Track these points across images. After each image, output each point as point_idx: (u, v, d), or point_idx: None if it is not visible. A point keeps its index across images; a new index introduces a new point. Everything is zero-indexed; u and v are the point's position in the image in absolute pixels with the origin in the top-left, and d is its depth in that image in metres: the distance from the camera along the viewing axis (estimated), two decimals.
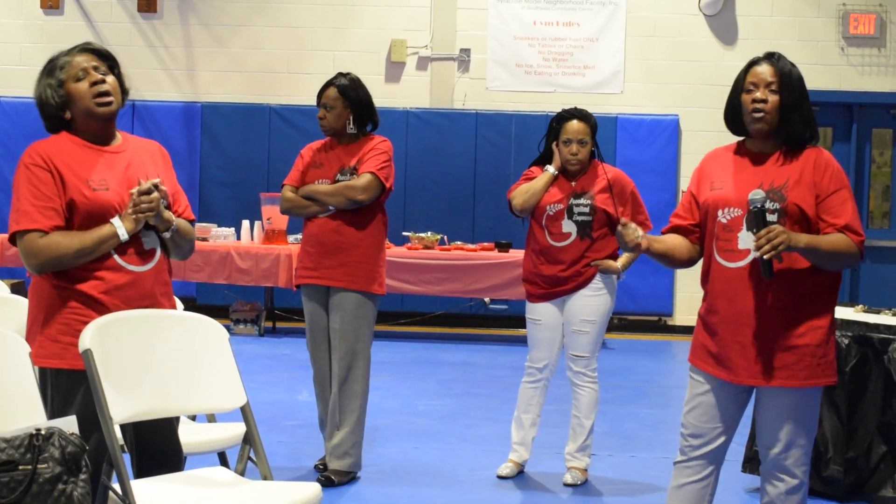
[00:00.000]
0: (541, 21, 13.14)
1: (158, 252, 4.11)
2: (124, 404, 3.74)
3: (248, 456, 4.12)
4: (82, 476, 3.43)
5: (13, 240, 3.97)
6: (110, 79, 4.05)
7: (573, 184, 6.26)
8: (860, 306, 6.71)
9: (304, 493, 3.78)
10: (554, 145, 6.30)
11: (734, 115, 4.31)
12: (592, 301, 6.24)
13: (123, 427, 4.04)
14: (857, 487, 6.10)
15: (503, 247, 11.69)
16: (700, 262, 4.46)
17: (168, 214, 4.07)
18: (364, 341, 6.18)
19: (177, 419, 4.17)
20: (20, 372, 3.61)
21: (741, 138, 4.38)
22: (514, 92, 13.17)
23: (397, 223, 12.47)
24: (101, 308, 3.93)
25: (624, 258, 6.29)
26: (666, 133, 13.04)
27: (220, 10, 13.25)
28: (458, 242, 11.93)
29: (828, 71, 12.90)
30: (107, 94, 4.02)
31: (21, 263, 10.86)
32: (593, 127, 6.29)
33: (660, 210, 12.94)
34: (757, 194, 4.13)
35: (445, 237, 11.91)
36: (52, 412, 3.88)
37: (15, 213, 3.95)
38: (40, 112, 4.06)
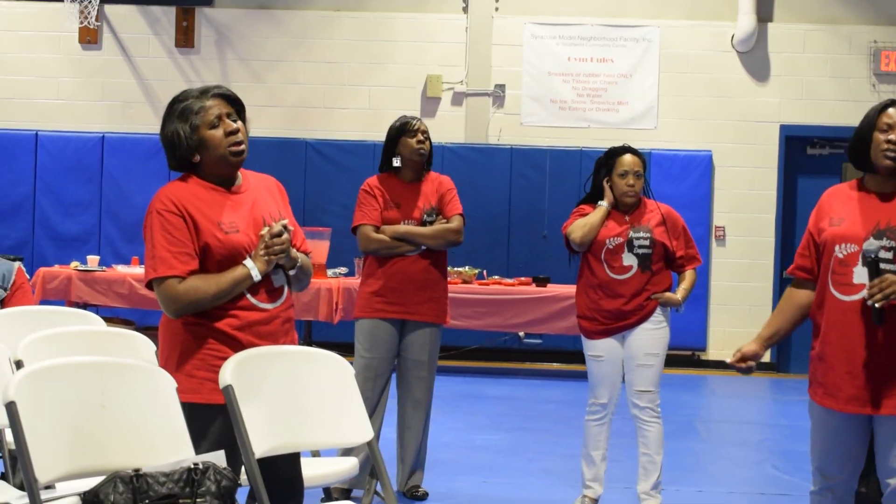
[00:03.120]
0: (575, 57, 13.25)
1: (286, 289, 4.19)
2: (262, 439, 3.80)
3: (374, 489, 4.17)
4: None
5: (150, 286, 4.04)
6: (241, 125, 4.12)
7: (627, 218, 6.28)
8: None
9: None
10: (605, 182, 6.31)
11: (860, 151, 4.41)
12: (655, 334, 6.25)
13: None
14: None
15: (541, 281, 11.74)
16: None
17: (294, 253, 4.16)
18: None
19: (298, 455, 4.23)
20: (167, 406, 3.66)
21: (860, 175, 4.50)
22: (549, 127, 13.27)
23: None
24: (235, 344, 4.01)
25: (682, 290, 6.31)
26: (699, 169, 13.12)
27: (257, 46, 13.36)
28: (496, 277, 11.98)
29: (859, 107, 12.88)
30: (241, 143, 4.09)
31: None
32: (644, 162, 6.37)
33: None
34: (871, 244, 4.27)
35: (485, 272, 11.97)
36: None
37: (151, 260, 4.01)
38: (169, 153, 4.12)
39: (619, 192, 6.27)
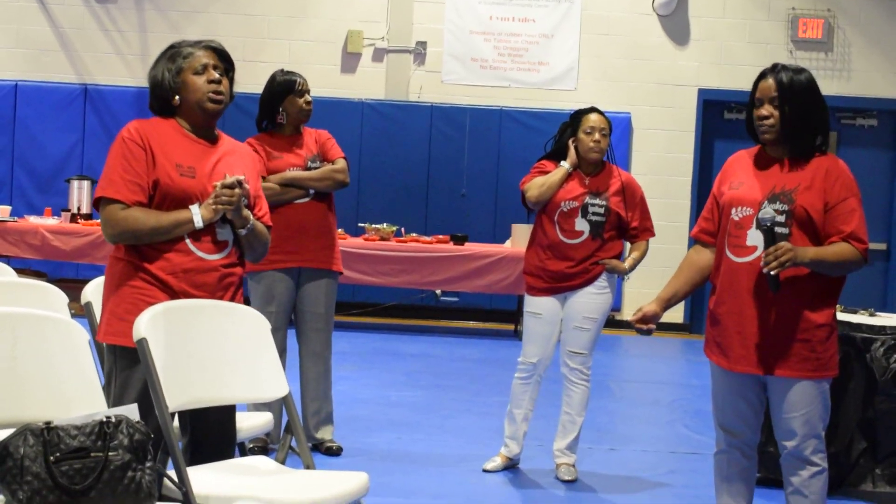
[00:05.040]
0: (497, 16, 13.23)
1: (230, 246, 4.20)
2: (177, 392, 3.77)
3: (289, 445, 4.16)
4: (148, 464, 3.47)
5: (97, 203, 4.15)
6: (225, 81, 4.23)
7: (587, 182, 6.27)
8: (839, 306, 6.87)
9: (355, 481, 3.83)
10: (570, 142, 6.27)
11: (751, 125, 4.50)
12: (596, 299, 6.27)
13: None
14: (839, 482, 6.26)
15: (459, 240, 11.77)
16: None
17: (246, 213, 4.20)
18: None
19: (234, 408, 4.23)
20: (81, 359, 3.61)
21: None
22: (469, 86, 13.26)
23: (351, 213, 12.52)
24: (166, 289, 4.05)
25: (631, 259, 6.33)
26: (618, 131, 13.12)
27: None
28: (414, 234, 11.98)
29: None
30: (220, 93, 4.18)
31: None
32: (610, 125, 6.35)
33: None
34: (767, 212, 4.32)
35: (403, 229, 11.97)
36: (116, 389, 4.01)
37: (103, 180, 4.13)
38: (151, 92, 4.22)
39: (584, 149, 6.24)
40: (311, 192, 6.41)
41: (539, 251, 6.34)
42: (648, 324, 4.68)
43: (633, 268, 6.35)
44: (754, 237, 4.39)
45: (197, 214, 4.07)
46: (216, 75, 4.18)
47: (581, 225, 6.22)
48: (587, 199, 6.22)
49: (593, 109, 6.37)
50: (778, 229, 4.32)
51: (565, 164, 6.27)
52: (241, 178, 4.13)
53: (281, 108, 6.42)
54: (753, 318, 4.39)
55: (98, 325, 4.22)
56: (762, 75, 4.47)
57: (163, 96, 4.20)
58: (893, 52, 13.31)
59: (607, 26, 13.28)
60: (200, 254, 4.12)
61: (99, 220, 4.17)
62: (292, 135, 6.49)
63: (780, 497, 5.64)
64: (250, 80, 13.01)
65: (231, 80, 4.28)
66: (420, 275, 11.52)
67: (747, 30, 13.31)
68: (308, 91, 6.47)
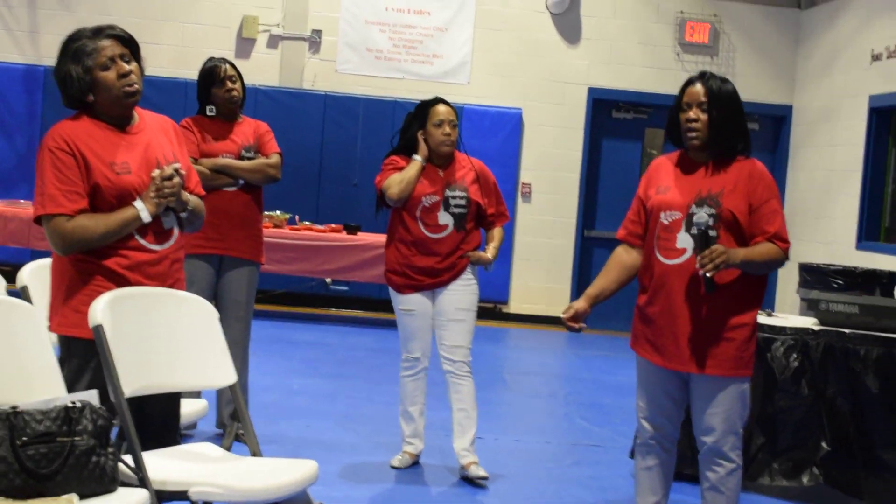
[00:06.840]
0: (392, 7, 13.29)
1: (177, 231, 4.20)
2: (131, 378, 3.79)
3: (234, 432, 4.20)
4: (110, 449, 3.50)
5: (39, 221, 4.02)
6: (134, 66, 4.12)
7: (442, 174, 6.24)
8: None
9: (305, 468, 3.89)
10: (419, 135, 6.20)
11: (675, 130, 4.67)
12: (465, 290, 6.27)
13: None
14: None
15: (352, 229, 11.82)
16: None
17: (185, 196, 4.17)
18: None
19: (179, 395, 4.24)
20: (39, 344, 3.62)
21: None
22: (364, 76, 13.29)
23: None
24: (124, 282, 4.01)
25: (492, 248, 6.33)
26: (509, 125, 13.36)
27: None
28: (307, 223, 11.99)
29: (663, 74, 13.44)
30: (133, 84, 4.08)
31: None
32: (457, 114, 6.31)
33: None
34: (701, 218, 4.50)
35: (297, 217, 11.97)
36: (68, 380, 3.93)
37: (40, 197, 4.00)
38: (62, 91, 4.08)
39: (435, 143, 6.17)
40: (241, 181, 6.41)
41: (402, 248, 6.27)
42: (579, 322, 4.79)
43: (495, 257, 6.35)
44: (684, 240, 4.56)
45: (143, 210, 4.02)
46: (126, 67, 4.07)
47: (444, 219, 6.20)
48: (447, 192, 6.20)
49: (439, 100, 6.30)
50: (711, 232, 4.49)
51: (418, 158, 6.19)
52: (177, 165, 4.11)
53: (210, 99, 6.47)
54: (685, 317, 4.56)
55: (49, 315, 4.13)
56: (690, 82, 4.67)
57: (74, 95, 4.06)
58: (775, 59, 13.71)
59: (501, 22, 13.44)
60: (150, 246, 4.10)
61: (46, 231, 3.98)
62: (228, 121, 6.51)
63: (688, 491, 5.88)
64: (144, 62, 12.89)
65: (139, 61, 4.18)
66: (313, 263, 11.55)
67: (637, 31, 13.58)
68: (231, 77, 6.45)
